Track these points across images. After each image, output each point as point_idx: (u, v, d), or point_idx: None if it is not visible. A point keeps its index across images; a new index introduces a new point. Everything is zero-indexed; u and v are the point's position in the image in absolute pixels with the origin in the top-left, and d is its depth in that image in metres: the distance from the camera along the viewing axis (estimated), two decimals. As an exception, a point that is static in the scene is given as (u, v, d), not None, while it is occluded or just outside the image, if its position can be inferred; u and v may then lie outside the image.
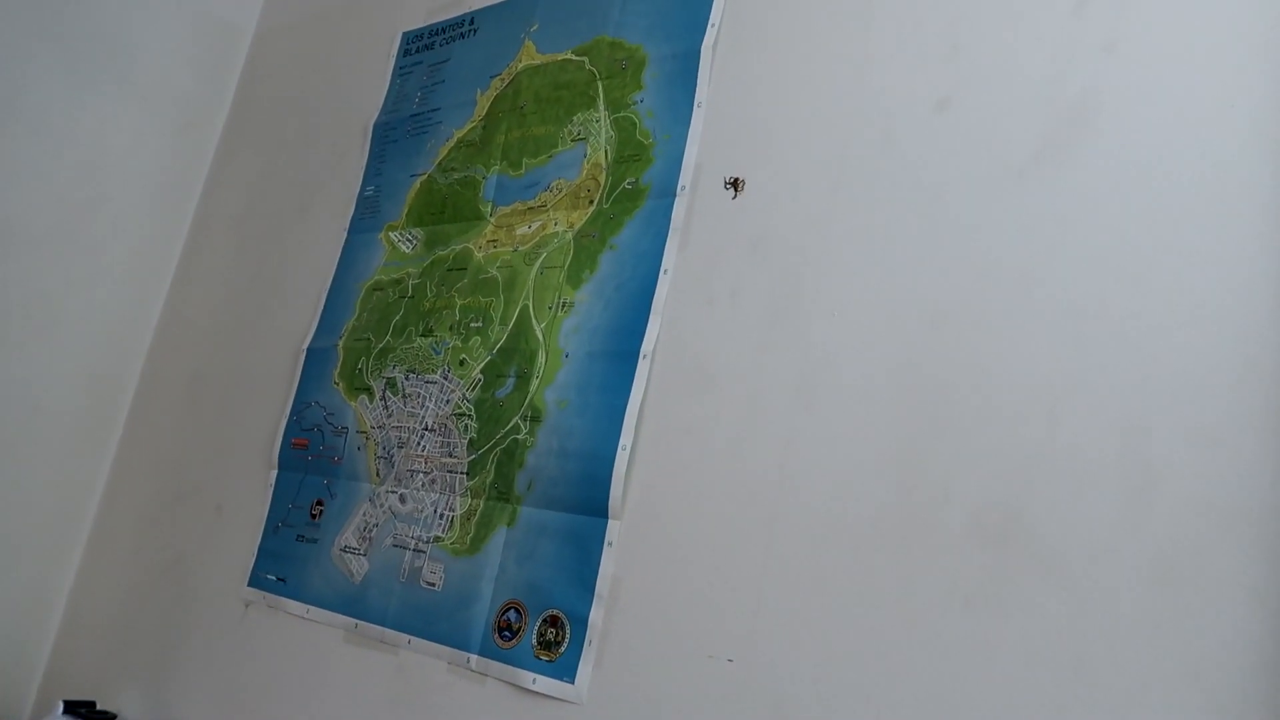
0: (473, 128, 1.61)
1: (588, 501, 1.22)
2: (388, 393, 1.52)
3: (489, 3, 1.70)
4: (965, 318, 1.01)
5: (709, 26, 1.35)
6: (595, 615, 1.16)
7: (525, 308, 1.40)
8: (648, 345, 1.24)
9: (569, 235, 1.39)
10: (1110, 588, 0.84)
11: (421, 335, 1.51)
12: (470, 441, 1.38)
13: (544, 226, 1.43)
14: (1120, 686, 0.81)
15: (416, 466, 1.43)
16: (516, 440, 1.32)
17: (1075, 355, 0.93)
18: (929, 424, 0.99)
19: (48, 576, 1.89)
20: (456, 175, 1.59)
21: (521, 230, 1.46)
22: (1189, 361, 0.87)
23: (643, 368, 1.23)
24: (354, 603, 1.42)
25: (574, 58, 1.51)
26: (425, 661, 1.30)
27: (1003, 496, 0.92)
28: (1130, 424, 0.88)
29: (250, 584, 1.58)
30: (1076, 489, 0.88)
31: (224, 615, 1.59)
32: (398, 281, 1.60)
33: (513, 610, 1.24)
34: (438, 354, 1.48)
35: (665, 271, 1.27)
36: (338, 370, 1.62)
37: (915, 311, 1.05)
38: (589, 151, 1.42)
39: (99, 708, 1.63)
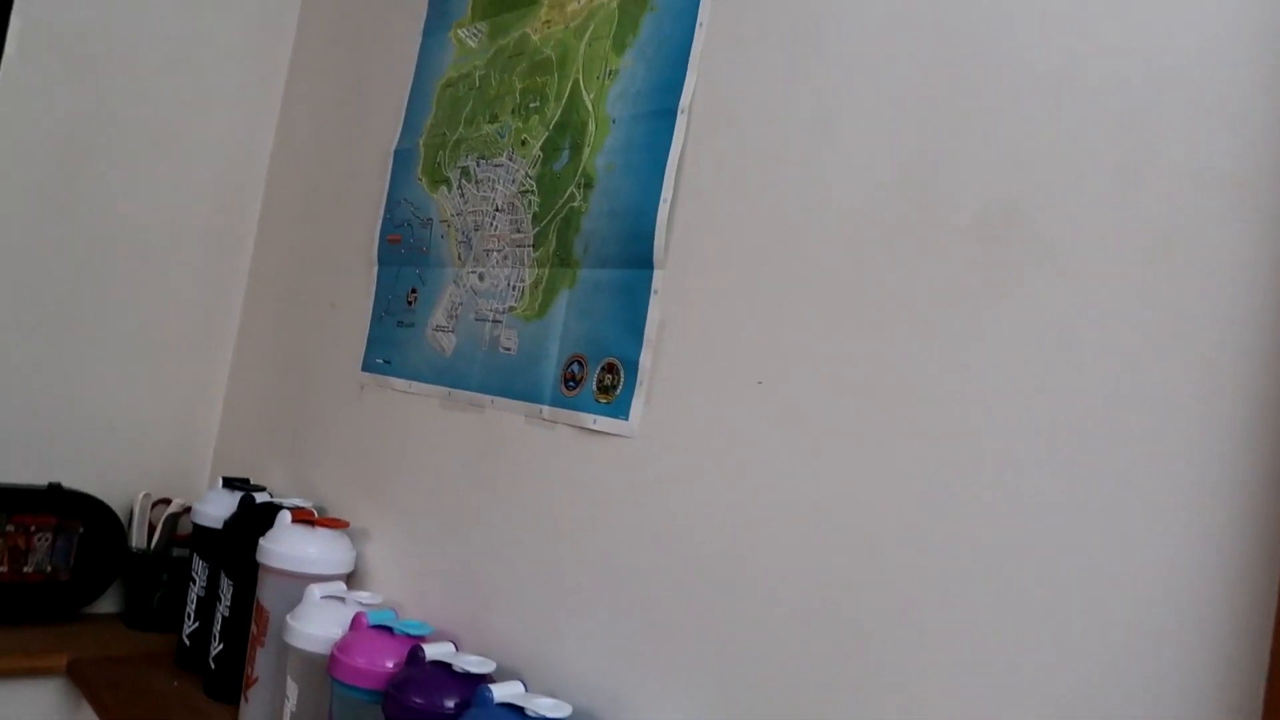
0: (525, -89, 1.61)
1: (635, 256, 1.28)
2: (463, 181, 1.61)
3: None
4: (973, 15, 0.98)
5: None
6: (645, 359, 1.24)
7: (576, 81, 1.43)
8: (685, 100, 1.26)
9: (614, 4, 1.40)
10: (1102, 266, 0.84)
11: (488, 122, 1.58)
12: (534, 215, 1.45)
13: (592, -1, 1.44)
14: (1106, 357, 0.82)
15: (491, 246, 1.52)
16: (572, 208, 1.38)
17: (1080, 39, 0.89)
18: (938, 132, 0.98)
19: (208, 377, 2.15)
20: (513, -38, 1.61)
21: (572, 6, 1.47)
22: (1193, 35, 0.82)
23: (681, 122, 1.26)
24: (446, 374, 1.56)
25: None
26: (505, 417, 1.43)
27: (1003, 193, 0.91)
28: (1130, 103, 0.85)
29: (363, 369, 1.75)
30: (1074, 175, 0.87)
31: (344, 396, 1.78)
32: (466, 75, 1.66)
33: (576, 363, 1.33)
34: (503, 138, 1.54)
35: (701, 25, 1.27)
36: (420, 167, 1.71)
37: (926, 22, 1.02)
38: (629, -85, 1.40)
39: (252, 482, 1.87)
